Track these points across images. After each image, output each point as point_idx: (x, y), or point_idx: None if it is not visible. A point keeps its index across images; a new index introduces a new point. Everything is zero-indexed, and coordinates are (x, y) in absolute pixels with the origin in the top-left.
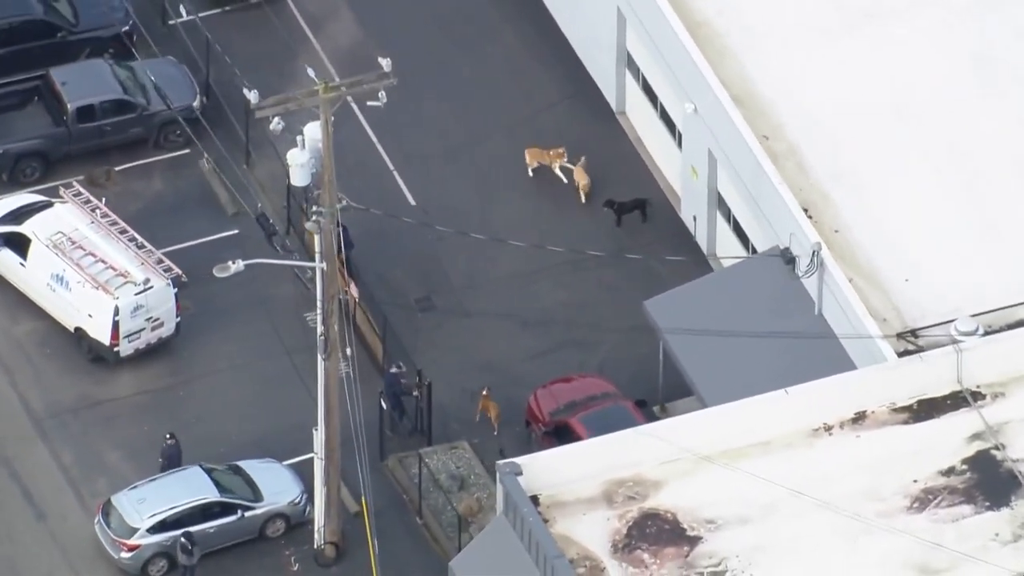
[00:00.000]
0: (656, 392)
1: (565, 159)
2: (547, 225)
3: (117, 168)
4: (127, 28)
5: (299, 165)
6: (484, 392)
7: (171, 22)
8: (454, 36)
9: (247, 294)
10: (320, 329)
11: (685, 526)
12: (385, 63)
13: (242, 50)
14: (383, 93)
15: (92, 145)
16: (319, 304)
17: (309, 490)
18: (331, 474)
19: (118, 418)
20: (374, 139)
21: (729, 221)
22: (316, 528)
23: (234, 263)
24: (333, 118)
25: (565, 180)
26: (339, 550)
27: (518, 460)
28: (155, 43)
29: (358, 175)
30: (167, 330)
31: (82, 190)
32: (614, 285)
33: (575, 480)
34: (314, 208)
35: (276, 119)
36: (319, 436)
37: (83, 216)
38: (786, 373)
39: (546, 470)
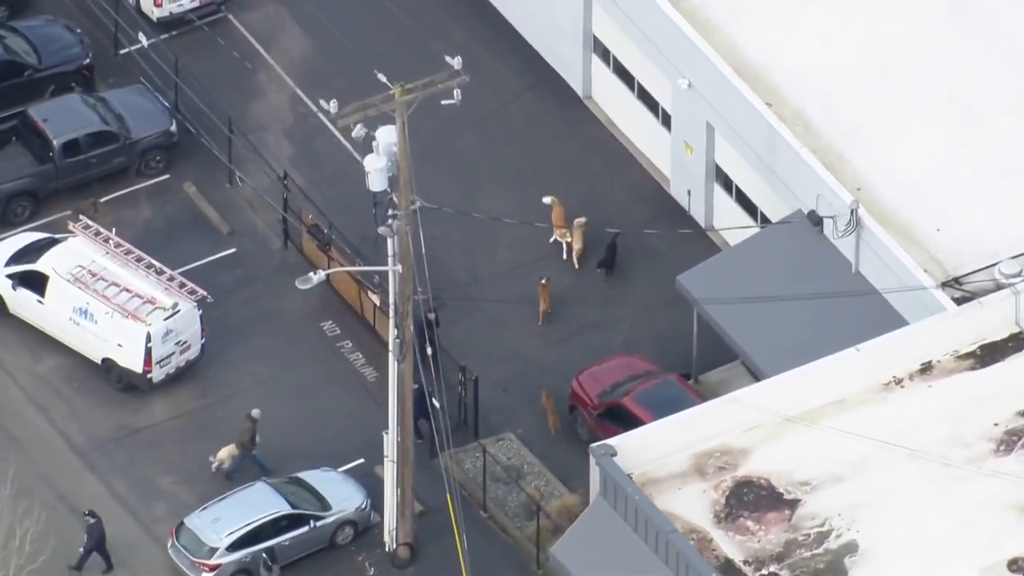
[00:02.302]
0: (689, 365)
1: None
2: (532, 214)
3: (102, 199)
4: (87, 61)
5: (376, 170)
6: (545, 396)
7: (123, 51)
8: (404, 38)
9: (256, 310)
10: (394, 332)
11: (781, 490)
12: (455, 62)
13: (199, 72)
14: (458, 91)
15: (79, 179)
16: (392, 307)
17: (371, 495)
18: (405, 475)
19: (161, 443)
20: (348, 147)
21: (731, 192)
22: (387, 530)
23: (315, 274)
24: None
25: (564, 253)
26: (413, 551)
27: (610, 442)
28: (112, 74)
29: (340, 183)
30: (193, 353)
31: (90, 222)
32: (614, 265)
33: (663, 456)
34: (389, 211)
35: (358, 126)
36: (390, 439)
37: (98, 247)
38: (832, 333)
39: (635, 449)
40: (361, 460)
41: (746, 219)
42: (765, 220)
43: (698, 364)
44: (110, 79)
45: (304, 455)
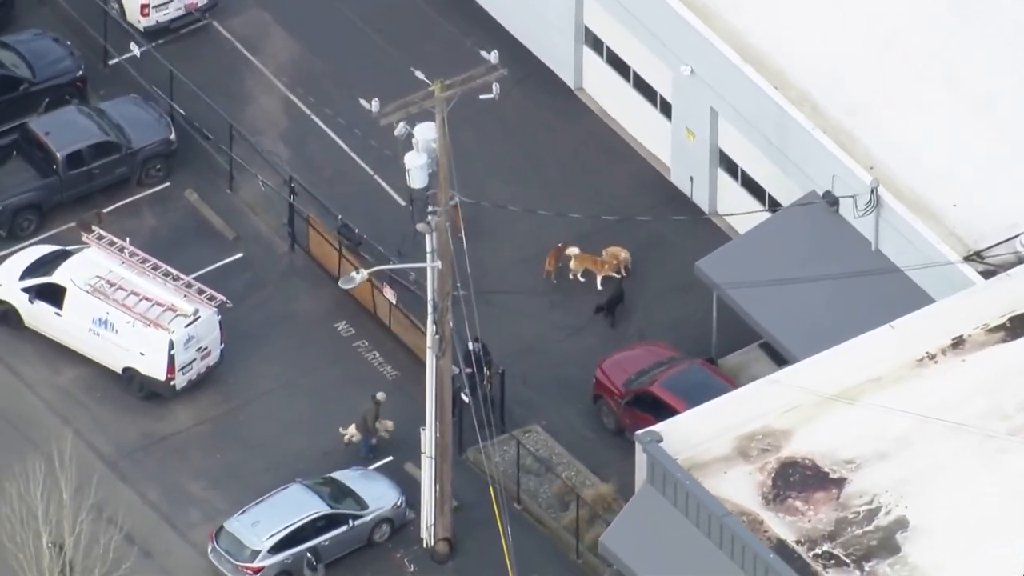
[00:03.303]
0: (704, 350)
1: (614, 266)
2: (536, 206)
3: (104, 210)
4: (80, 73)
5: (417, 167)
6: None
7: (112, 62)
8: (390, 37)
9: (268, 314)
10: (433, 328)
11: (827, 469)
12: (492, 56)
13: (189, 80)
14: (497, 85)
15: (83, 190)
16: (430, 303)
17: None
18: (444, 471)
19: (188, 449)
20: (345, 148)
21: (736, 177)
22: (425, 526)
23: (358, 273)
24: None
25: (600, 287)
26: (452, 546)
27: (656, 428)
28: (102, 85)
29: (340, 184)
30: (213, 358)
31: (103, 232)
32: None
33: (706, 441)
34: (429, 208)
35: (401, 124)
36: (428, 435)
37: (113, 257)
38: (857, 312)
39: (678, 435)
40: (390, 458)
41: (753, 203)
42: (773, 203)
43: (715, 348)
44: (101, 91)
45: (331, 456)
